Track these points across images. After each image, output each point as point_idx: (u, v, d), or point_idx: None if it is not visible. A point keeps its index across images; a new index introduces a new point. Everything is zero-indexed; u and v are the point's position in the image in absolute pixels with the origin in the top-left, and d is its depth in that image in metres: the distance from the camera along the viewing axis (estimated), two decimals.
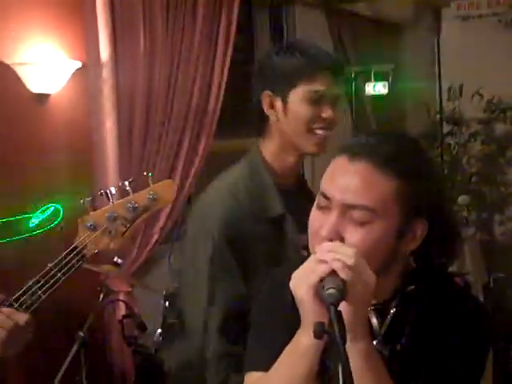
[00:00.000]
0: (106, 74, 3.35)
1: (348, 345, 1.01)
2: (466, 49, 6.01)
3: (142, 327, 3.04)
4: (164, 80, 3.64)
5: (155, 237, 3.60)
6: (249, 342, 1.34)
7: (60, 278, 1.57)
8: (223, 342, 1.61)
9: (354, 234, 1.17)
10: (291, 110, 1.76)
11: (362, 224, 1.17)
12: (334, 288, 1.06)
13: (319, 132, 1.77)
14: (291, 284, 1.13)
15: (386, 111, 5.45)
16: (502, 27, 6.01)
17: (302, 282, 1.11)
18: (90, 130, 3.33)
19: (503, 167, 6.16)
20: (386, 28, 5.88)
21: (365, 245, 1.16)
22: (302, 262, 1.15)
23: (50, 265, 1.58)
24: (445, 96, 6.06)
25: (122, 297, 3.21)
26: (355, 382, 0.99)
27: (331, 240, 1.16)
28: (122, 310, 3.27)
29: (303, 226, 1.30)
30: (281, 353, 1.18)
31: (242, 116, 4.07)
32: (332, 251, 1.11)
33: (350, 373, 0.98)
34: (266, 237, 1.73)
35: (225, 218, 1.71)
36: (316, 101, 1.75)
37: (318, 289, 1.09)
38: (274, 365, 1.19)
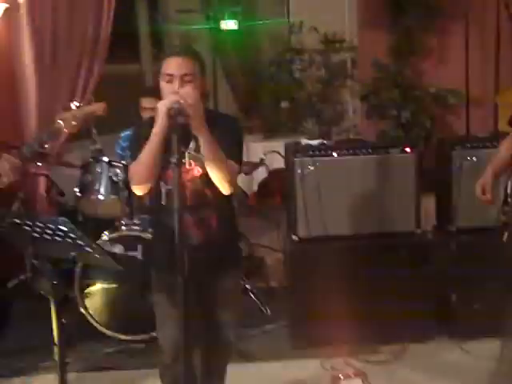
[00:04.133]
0: (23, 12, 4.58)
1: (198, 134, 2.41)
2: None
3: (61, 193, 4.39)
4: (66, 15, 4.87)
5: None
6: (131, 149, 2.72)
7: None
8: None
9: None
10: None
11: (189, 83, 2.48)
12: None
13: None
14: (159, 105, 2.43)
15: (242, 43, 6.91)
16: None
17: (162, 104, 2.43)
18: (13, 52, 4.57)
19: (337, 89, 7.74)
20: None
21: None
22: None
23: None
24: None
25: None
26: (206, 150, 2.41)
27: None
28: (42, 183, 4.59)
29: None
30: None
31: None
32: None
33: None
34: None
35: None
36: None
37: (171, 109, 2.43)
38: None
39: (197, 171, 2.59)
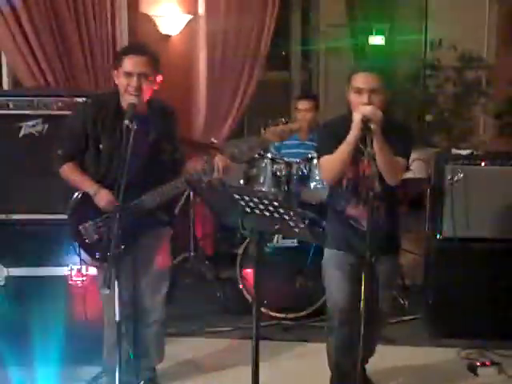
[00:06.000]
0: (202, 22, 5.22)
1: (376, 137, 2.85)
2: (447, 10, 7.78)
3: None
4: (235, 24, 5.47)
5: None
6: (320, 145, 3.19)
7: None
8: None
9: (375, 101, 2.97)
10: None
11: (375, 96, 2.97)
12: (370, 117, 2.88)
13: None
14: (355, 113, 2.89)
15: (384, 57, 7.32)
16: None
17: (358, 113, 2.89)
18: (191, 57, 5.22)
19: (470, 105, 7.98)
20: None
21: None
22: None
23: None
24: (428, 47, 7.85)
25: None
26: (379, 151, 2.85)
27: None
28: None
29: None
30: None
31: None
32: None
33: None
34: None
35: None
36: None
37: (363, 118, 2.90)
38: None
39: (373, 167, 3.03)
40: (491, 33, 7.48)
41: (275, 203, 2.63)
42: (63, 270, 3.64)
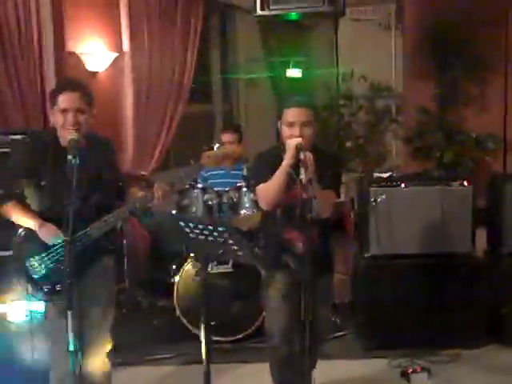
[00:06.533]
0: (127, 59, 5.37)
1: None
2: (356, 44, 8.23)
3: None
4: (158, 64, 5.66)
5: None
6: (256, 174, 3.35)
7: None
8: None
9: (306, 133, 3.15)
10: None
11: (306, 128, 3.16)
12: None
13: None
14: (290, 142, 3.06)
15: (301, 89, 7.64)
16: (381, 29, 8.27)
17: (292, 142, 3.08)
18: (117, 93, 5.34)
19: (382, 132, 8.44)
20: (299, 29, 8.04)
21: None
22: None
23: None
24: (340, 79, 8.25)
25: None
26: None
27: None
28: None
29: None
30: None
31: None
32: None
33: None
34: None
35: None
36: None
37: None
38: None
39: (304, 195, 3.18)
40: (398, 64, 7.97)
41: (220, 228, 2.78)
42: (2, 308, 3.65)
